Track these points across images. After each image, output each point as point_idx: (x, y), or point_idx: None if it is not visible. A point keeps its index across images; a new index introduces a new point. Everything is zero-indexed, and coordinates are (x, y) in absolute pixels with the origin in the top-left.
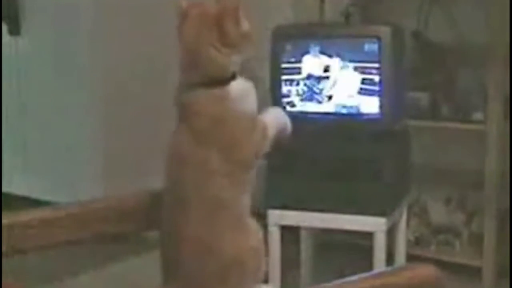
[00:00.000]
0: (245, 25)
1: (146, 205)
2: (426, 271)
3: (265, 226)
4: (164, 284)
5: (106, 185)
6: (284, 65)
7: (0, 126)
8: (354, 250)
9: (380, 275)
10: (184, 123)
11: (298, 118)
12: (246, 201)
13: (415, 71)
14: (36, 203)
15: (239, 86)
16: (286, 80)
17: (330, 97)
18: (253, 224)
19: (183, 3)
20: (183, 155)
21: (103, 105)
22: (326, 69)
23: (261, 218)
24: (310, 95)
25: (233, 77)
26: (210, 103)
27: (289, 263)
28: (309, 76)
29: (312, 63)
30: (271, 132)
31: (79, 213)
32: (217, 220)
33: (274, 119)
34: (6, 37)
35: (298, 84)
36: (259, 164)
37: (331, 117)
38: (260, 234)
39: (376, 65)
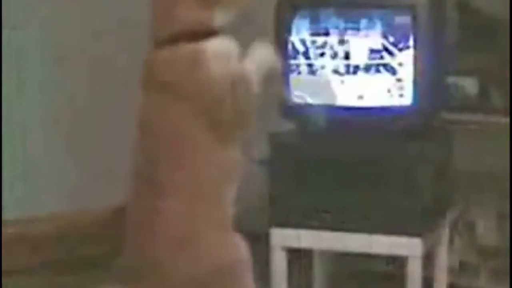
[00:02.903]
0: None
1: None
2: None
3: (266, 249)
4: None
5: None
6: (291, 45)
7: (0, 132)
8: (381, 279)
9: None
10: (153, 90)
11: (306, 112)
12: (231, 196)
13: (459, 50)
14: None
15: (219, 45)
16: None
17: (347, 85)
18: (236, 235)
19: None
20: (159, 126)
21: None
22: (343, 45)
23: (261, 239)
24: (322, 83)
25: (213, 33)
26: (182, 65)
27: None
28: (322, 54)
29: (326, 41)
30: (256, 82)
31: None
32: (197, 214)
33: (260, 64)
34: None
35: (313, 72)
36: (250, 125)
37: (350, 111)
38: (245, 250)
39: (409, 42)
